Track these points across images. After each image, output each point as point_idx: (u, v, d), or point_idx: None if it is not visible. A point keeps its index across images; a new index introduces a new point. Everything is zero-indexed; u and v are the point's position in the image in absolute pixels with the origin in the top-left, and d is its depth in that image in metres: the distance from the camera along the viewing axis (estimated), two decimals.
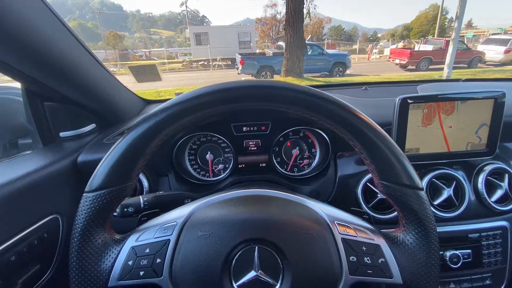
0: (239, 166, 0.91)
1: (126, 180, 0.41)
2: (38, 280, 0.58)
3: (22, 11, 0.51)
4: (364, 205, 0.79)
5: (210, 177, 0.92)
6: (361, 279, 0.39)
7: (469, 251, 0.77)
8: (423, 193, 0.41)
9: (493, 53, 11.89)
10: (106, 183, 0.39)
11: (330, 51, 12.40)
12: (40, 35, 0.56)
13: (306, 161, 0.93)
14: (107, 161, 0.39)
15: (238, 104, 0.40)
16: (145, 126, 0.39)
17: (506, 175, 0.81)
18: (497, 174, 0.82)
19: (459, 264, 0.75)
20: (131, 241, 0.41)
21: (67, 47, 0.64)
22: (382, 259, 0.40)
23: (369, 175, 0.79)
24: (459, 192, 0.80)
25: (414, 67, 11.79)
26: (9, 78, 0.63)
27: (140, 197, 0.59)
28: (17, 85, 0.75)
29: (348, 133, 0.41)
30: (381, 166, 0.41)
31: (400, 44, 18.79)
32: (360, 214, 0.50)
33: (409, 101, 0.74)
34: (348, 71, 11.05)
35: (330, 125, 0.42)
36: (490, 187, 0.81)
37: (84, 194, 0.39)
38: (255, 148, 0.91)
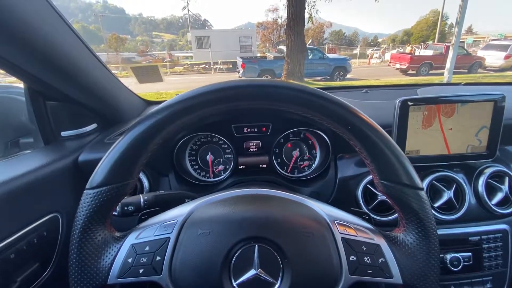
0: (240, 167, 0.91)
1: (127, 178, 0.41)
2: (37, 278, 0.58)
3: (27, 11, 0.52)
4: (364, 207, 0.79)
5: (210, 178, 0.92)
6: (361, 278, 0.39)
7: (470, 254, 0.77)
8: (423, 193, 0.41)
9: (493, 58, 11.92)
10: (108, 180, 0.39)
11: (330, 55, 12.47)
12: (44, 35, 0.56)
13: (306, 163, 0.93)
14: (109, 158, 0.39)
15: (240, 103, 0.41)
16: (148, 123, 0.39)
17: (507, 178, 0.81)
18: (497, 177, 0.82)
19: (460, 267, 0.74)
20: (131, 239, 0.41)
21: (71, 48, 0.65)
22: (382, 259, 0.40)
23: (370, 177, 0.79)
24: (459, 194, 0.80)
25: (414, 72, 11.81)
26: (13, 79, 0.64)
27: (141, 196, 0.59)
28: (19, 84, 0.75)
29: (349, 133, 0.41)
30: (381, 166, 0.41)
31: (408, 49, 18.83)
32: (360, 214, 0.50)
33: (409, 103, 0.74)
34: (348, 75, 11.08)
35: (330, 125, 0.42)
36: (491, 190, 0.81)
37: (85, 191, 0.39)
38: (256, 149, 0.91)
